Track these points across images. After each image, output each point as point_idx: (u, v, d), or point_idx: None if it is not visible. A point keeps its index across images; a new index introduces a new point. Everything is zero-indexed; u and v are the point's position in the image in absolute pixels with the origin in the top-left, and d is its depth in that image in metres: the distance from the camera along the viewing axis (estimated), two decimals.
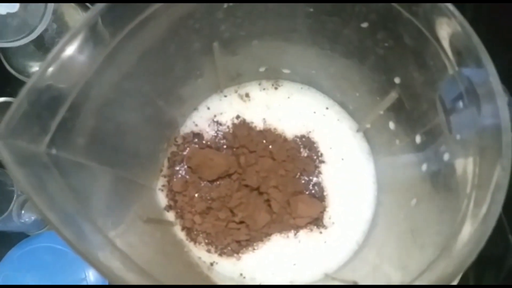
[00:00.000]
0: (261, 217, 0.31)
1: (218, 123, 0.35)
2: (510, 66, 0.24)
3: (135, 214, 0.27)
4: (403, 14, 0.22)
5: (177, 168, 0.34)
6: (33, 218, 0.37)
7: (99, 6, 0.19)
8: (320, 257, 0.32)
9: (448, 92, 0.21)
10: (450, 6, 0.19)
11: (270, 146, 0.33)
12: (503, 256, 0.31)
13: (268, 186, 0.32)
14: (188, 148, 0.34)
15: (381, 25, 0.24)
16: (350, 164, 0.34)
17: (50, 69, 0.18)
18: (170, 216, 0.33)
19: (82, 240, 0.18)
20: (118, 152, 0.26)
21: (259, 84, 0.36)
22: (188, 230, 0.32)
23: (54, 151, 0.19)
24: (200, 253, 0.32)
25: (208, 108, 0.35)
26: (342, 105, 0.35)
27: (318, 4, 0.26)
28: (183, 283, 0.26)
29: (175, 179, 0.33)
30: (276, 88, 0.36)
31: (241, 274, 0.32)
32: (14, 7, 0.28)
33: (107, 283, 0.35)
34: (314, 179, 0.33)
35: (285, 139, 0.34)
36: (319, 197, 0.33)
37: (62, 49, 0.18)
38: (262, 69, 0.34)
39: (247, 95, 0.36)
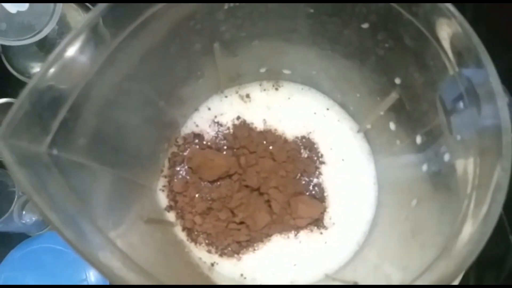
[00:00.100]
0: (262, 217, 0.31)
1: (219, 124, 0.35)
2: (510, 66, 0.24)
3: (136, 215, 0.27)
4: (403, 14, 0.22)
5: (178, 168, 0.34)
6: (34, 219, 0.37)
7: (100, 7, 0.19)
8: (321, 257, 0.32)
9: (448, 93, 0.21)
10: (450, 6, 0.19)
11: (271, 147, 0.33)
12: (503, 256, 0.31)
13: (269, 186, 0.32)
14: (188, 149, 0.34)
15: (382, 25, 0.24)
16: (351, 165, 0.34)
17: (51, 70, 0.18)
18: (171, 216, 0.33)
19: (83, 240, 0.18)
20: (118, 152, 0.26)
21: (260, 85, 0.36)
22: (189, 231, 0.32)
23: (55, 152, 0.19)
24: (201, 254, 0.32)
25: (209, 109, 0.35)
26: (343, 105, 0.35)
27: (318, 4, 0.26)
28: (184, 283, 0.26)
29: (175, 180, 0.33)
30: (276, 89, 0.36)
31: (241, 275, 0.32)
32: (24, 6, 0.28)
33: (108, 284, 0.35)
34: (315, 180, 0.33)
35: (285, 140, 0.34)
36: (320, 197, 0.33)
37: (63, 50, 0.18)
38: (262, 70, 0.34)
39: (247, 95, 0.36)
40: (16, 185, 0.35)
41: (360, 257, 0.31)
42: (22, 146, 0.17)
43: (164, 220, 0.32)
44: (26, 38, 0.29)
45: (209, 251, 0.32)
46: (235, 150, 0.34)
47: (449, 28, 0.20)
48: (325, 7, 0.26)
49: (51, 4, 0.29)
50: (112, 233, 0.20)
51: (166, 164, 0.34)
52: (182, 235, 0.32)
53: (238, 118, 0.35)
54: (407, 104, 0.27)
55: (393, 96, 0.28)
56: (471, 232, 0.18)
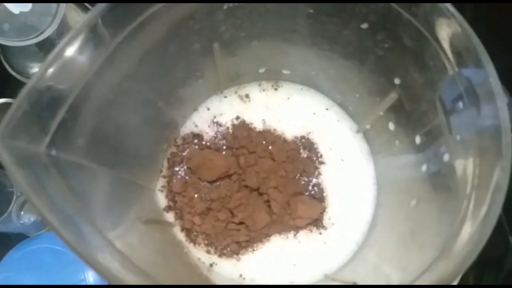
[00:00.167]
0: (261, 218, 0.31)
1: (218, 124, 0.35)
2: (510, 66, 0.24)
3: (135, 215, 0.27)
4: (402, 14, 0.22)
5: (177, 168, 0.34)
6: (32, 219, 0.37)
7: (100, 7, 0.19)
8: (320, 257, 0.32)
9: (448, 93, 0.21)
10: (450, 6, 0.19)
11: (270, 147, 0.33)
12: (503, 257, 0.31)
13: (268, 187, 0.32)
14: (188, 149, 0.34)
15: (381, 26, 0.24)
16: (350, 165, 0.34)
17: (50, 70, 0.18)
18: (170, 217, 0.33)
19: (82, 241, 0.18)
20: (118, 153, 0.26)
21: (259, 85, 0.36)
22: (188, 231, 0.32)
23: (54, 152, 0.19)
24: (200, 254, 0.32)
25: (208, 109, 0.35)
26: (342, 106, 0.35)
27: (318, 4, 0.26)
28: (183, 284, 0.26)
29: (174, 180, 0.33)
30: (276, 89, 0.36)
31: (240, 275, 0.32)
32: (27, 6, 0.28)
33: (106, 284, 0.35)
34: (314, 180, 0.33)
35: (285, 140, 0.34)
36: (319, 198, 0.33)
37: (62, 50, 0.18)
38: (262, 70, 0.34)
39: (247, 96, 0.36)
40: (14, 185, 0.35)
41: (359, 257, 0.31)
42: (21, 146, 0.17)
43: (163, 220, 0.32)
44: (28, 39, 0.29)
45: (208, 252, 0.32)
46: (234, 150, 0.34)
47: (448, 28, 0.20)
48: (325, 7, 0.26)
49: (54, 5, 0.29)
50: (111, 234, 0.20)
51: (165, 164, 0.34)
52: (181, 236, 0.32)
53: (238, 118, 0.35)
54: (407, 104, 0.27)
55: (393, 96, 0.28)
56: (470, 232, 0.18)
